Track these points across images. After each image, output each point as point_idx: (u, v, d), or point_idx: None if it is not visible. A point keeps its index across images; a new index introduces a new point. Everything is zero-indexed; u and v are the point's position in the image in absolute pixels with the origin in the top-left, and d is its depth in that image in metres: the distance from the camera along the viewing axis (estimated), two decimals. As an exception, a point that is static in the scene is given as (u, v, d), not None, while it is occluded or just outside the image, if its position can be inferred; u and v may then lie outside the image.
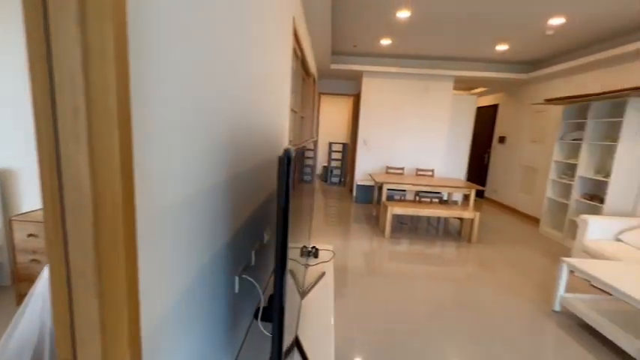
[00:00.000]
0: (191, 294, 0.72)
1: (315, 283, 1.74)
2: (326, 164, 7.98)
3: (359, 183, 5.76)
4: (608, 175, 3.57)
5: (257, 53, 1.24)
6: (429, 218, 5.01)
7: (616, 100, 3.55)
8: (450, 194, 5.16)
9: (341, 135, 8.46)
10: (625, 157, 3.42)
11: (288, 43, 2.13)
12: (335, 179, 7.95)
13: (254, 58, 1.19)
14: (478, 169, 7.07)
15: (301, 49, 2.86)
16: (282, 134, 2.06)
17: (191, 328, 0.74)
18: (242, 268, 1.21)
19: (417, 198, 5.01)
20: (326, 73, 5.82)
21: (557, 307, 2.44)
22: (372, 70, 5.36)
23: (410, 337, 2.06)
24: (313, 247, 2.20)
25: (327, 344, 1.22)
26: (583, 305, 2.28)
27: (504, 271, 3.15)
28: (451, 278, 2.93)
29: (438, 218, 4.99)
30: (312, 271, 1.92)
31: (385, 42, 4.53)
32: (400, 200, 5.36)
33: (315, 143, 1.87)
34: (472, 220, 3.90)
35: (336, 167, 7.85)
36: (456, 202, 6.21)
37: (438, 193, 4.92)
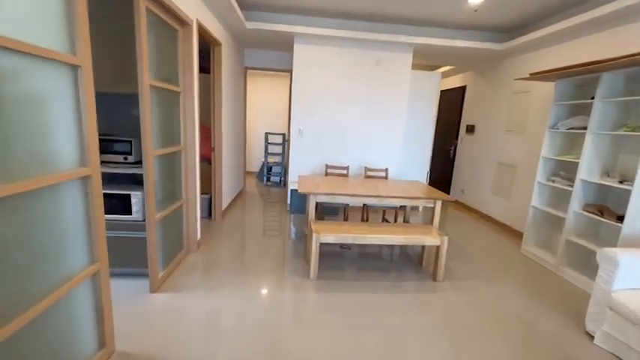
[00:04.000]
0: None
1: None
2: (263, 160, 6.47)
3: (294, 187, 4.34)
4: (626, 179, 2.44)
5: None
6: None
7: (631, 71, 2.41)
8: (408, 201, 3.90)
9: (280, 124, 6.96)
10: (655, 153, 2.29)
11: None
12: (275, 178, 6.48)
13: None
14: (443, 165, 5.94)
15: None
16: None
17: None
18: None
19: (366, 209, 3.69)
20: (246, 37, 4.26)
21: None
22: (304, 33, 3.90)
23: None
24: None
25: None
26: None
27: (487, 343, 1.90)
28: (402, 377, 1.61)
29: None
30: None
31: (314, -16, 3.08)
32: (344, 212, 4.02)
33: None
34: (438, 248, 2.63)
35: (276, 163, 6.36)
36: (416, 209, 5.02)
37: (393, 201, 3.63)
